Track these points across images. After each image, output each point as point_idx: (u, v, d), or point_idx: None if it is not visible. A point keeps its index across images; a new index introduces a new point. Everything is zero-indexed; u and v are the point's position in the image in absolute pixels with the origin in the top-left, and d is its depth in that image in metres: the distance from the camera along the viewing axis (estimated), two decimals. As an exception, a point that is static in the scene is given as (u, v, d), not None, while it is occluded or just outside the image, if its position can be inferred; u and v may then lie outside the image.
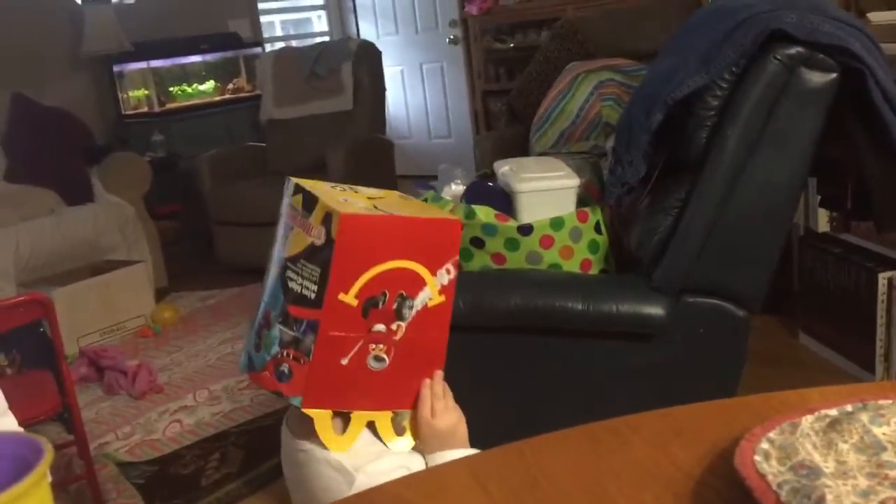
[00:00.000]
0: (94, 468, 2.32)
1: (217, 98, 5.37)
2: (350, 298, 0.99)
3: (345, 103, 4.64)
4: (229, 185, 4.42)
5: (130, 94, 5.12)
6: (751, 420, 0.68)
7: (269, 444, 2.53)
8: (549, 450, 0.71)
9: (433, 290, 1.04)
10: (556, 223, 1.94)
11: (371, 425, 1.07)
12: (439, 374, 1.10)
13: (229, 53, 5.46)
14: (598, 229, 1.98)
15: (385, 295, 1.01)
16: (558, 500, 0.64)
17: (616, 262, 2.03)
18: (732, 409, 0.73)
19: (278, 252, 1.06)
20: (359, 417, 1.05)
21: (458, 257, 1.06)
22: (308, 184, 1.08)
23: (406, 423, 1.10)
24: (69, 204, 3.93)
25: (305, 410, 1.01)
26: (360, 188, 1.13)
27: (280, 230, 1.08)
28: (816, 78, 1.63)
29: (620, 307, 1.77)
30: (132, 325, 3.71)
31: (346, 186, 1.12)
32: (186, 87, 5.30)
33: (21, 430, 0.94)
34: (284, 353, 1.01)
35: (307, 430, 1.07)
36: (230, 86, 5.46)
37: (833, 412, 0.66)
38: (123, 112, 5.07)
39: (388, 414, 1.08)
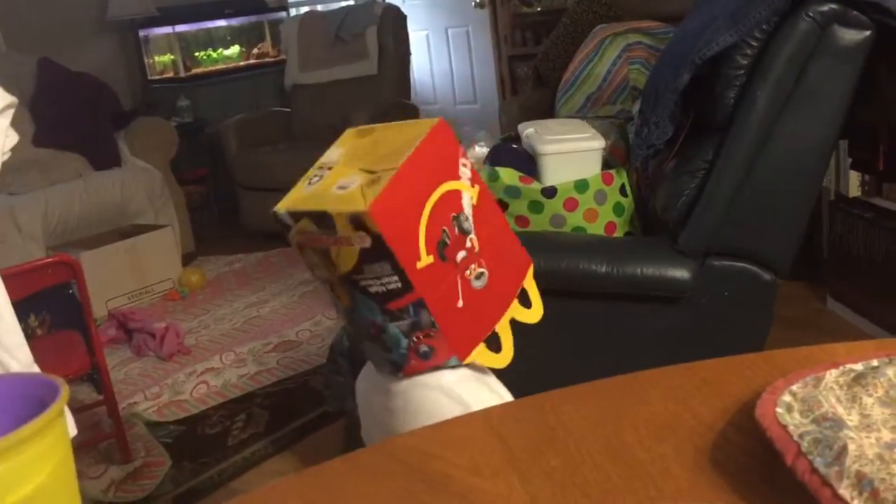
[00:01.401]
0: (123, 427, 2.37)
1: (242, 63, 5.37)
2: (426, 259, 1.01)
3: (369, 68, 4.62)
4: (254, 150, 4.44)
5: (156, 59, 5.13)
6: (774, 374, 0.67)
7: (293, 406, 2.56)
8: (568, 403, 0.71)
9: (468, 189, 1.05)
10: (581, 186, 1.92)
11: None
12: None
13: (254, 18, 5.45)
14: (623, 192, 1.97)
15: (445, 231, 1.03)
16: (577, 452, 0.64)
17: (641, 225, 2.01)
18: (755, 363, 0.72)
19: (329, 276, 1.04)
20: (503, 329, 1.08)
21: (462, 147, 1.07)
22: (298, 203, 1.02)
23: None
24: (96, 168, 3.97)
25: (467, 360, 1.05)
26: (327, 156, 1.09)
27: (309, 259, 1.04)
28: (850, 35, 1.59)
29: (645, 270, 1.75)
30: (160, 288, 3.76)
31: (319, 170, 1.07)
32: (212, 52, 5.30)
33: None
34: (414, 339, 1.04)
35: None
36: (255, 50, 5.45)
37: (858, 367, 0.65)
38: (149, 77, 5.08)
39: (515, 303, 1.11)
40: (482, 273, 1.06)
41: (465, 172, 1.05)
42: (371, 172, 1.00)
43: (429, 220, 1.01)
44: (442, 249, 1.02)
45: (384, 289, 1.00)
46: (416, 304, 1.01)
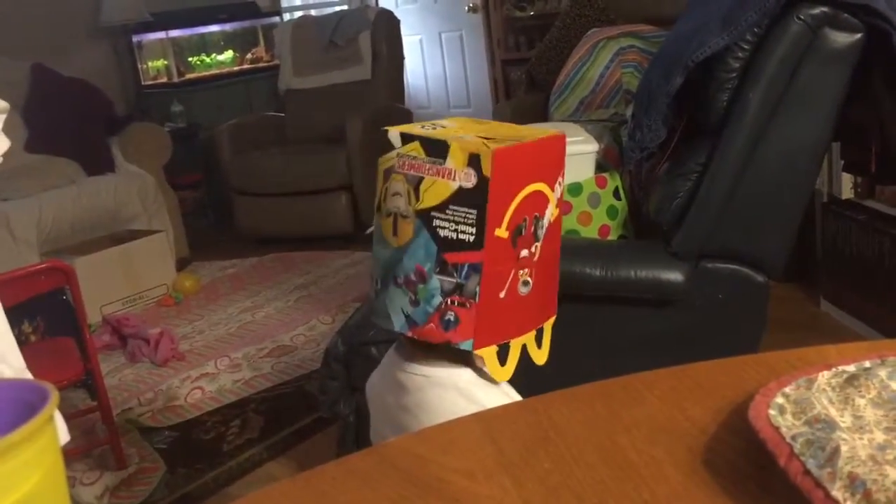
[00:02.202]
0: (117, 433, 2.36)
1: (236, 68, 5.37)
2: (503, 231, 1.01)
3: (363, 72, 4.63)
4: (248, 154, 4.43)
5: (150, 64, 5.12)
6: (767, 377, 0.67)
7: (288, 411, 2.55)
8: (561, 405, 0.71)
9: (553, 205, 1.06)
10: (575, 189, 1.92)
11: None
12: None
13: (247, 23, 5.45)
14: (616, 195, 1.97)
15: (525, 221, 1.03)
16: (570, 455, 0.64)
17: (635, 228, 2.02)
18: (748, 365, 0.72)
19: (404, 207, 1.03)
20: (515, 344, 1.08)
21: (564, 169, 1.08)
22: (411, 129, 1.05)
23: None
24: (90, 174, 3.96)
25: (477, 351, 1.03)
26: (440, 122, 1.11)
27: (393, 186, 1.04)
28: (841, 38, 1.60)
29: (639, 273, 1.76)
30: (154, 294, 3.75)
31: (431, 124, 1.10)
32: (205, 57, 5.29)
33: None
34: (448, 302, 1.02)
35: (431, 356, 1.09)
36: (249, 55, 5.45)
37: (851, 368, 0.65)
38: (143, 82, 5.08)
39: (533, 334, 1.10)
40: (528, 283, 1.06)
41: (557, 191, 1.07)
42: (491, 139, 1.03)
43: (521, 201, 1.02)
44: (516, 235, 1.03)
45: (455, 236, 1.01)
46: (472, 267, 1.01)
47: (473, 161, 0.99)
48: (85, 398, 2.63)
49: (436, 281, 1.02)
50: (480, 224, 0.99)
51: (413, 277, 1.04)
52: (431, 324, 1.03)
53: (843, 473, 0.51)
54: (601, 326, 1.88)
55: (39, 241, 3.56)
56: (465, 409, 1.05)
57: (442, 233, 1.01)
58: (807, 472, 0.52)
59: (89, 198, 3.80)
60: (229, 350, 3.08)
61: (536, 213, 1.04)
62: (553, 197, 1.06)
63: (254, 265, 4.15)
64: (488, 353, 1.05)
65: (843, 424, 0.57)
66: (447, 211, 1.00)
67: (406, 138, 1.03)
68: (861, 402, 0.61)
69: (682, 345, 1.80)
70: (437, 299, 1.02)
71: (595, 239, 1.95)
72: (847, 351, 0.71)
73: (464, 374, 1.09)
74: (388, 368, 1.16)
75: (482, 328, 1.03)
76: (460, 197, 1.00)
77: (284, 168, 4.32)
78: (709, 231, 1.73)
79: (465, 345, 1.02)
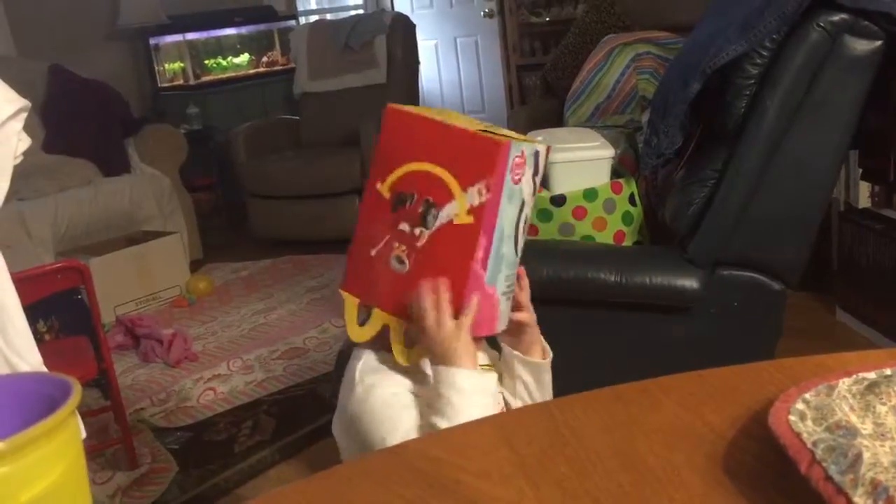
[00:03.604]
0: (129, 433, 2.37)
1: (251, 71, 5.39)
2: (385, 189, 1.06)
3: (378, 76, 4.63)
4: (263, 157, 4.45)
5: (166, 66, 5.15)
6: (786, 383, 0.67)
7: (300, 413, 2.55)
8: (578, 409, 0.71)
9: (461, 206, 1.01)
10: (590, 194, 1.92)
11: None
12: (445, 285, 1.04)
13: (263, 26, 5.47)
14: (632, 201, 1.96)
15: (413, 196, 1.04)
16: (587, 459, 0.64)
17: (650, 234, 2.01)
18: (767, 371, 0.72)
19: None
20: (378, 316, 1.09)
21: (496, 181, 1.00)
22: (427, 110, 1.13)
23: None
24: (106, 175, 3.98)
25: (341, 291, 1.09)
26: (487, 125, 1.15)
27: None
28: (861, 46, 1.59)
29: (654, 279, 1.75)
30: (167, 295, 3.76)
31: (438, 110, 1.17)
32: (221, 60, 5.32)
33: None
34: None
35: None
36: (264, 59, 5.47)
37: (871, 375, 0.64)
38: (159, 84, 5.10)
39: (403, 323, 1.07)
40: (404, 262, 1.05)
41: (473, 197, 1.01)
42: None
43: (412, 173, 1.04)
44: (397, 202, 1.05)
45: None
46: (358, 212, 1.12)
47: (383, 117, 1.07)
48: (98, 398, 2.64)
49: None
50: (367, 171, 1.10)
51: None
52: None
53: (865, 480, 0.50)
54: (616, 332, 1.87)
55: (55, 241, 3.58)
56: (350, 380, 1.11)
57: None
58: (828, 479, 0.51)
59: (105, 198, 3.82)
60: (242, 352, 3.09)
61: (429, 198, 1.03)
62: (463, 198, 1.01)
63: (267, 267, 4.16)
64: (349, 302, 1.10)
65: (864, 431, 0.57)
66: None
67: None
68: (882, 409, 0.60)
69: (696, 351, 1.79)
70: None
71: (610, 245, 1.95)
72: (867, 358, 0.71)
73: (364, 353, 1.12)
74: (349, 379, 1.20)
75: (350, 272, 1.11)
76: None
77: (299, 171, 4.34)
78: (725, 238, 1.73)
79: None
